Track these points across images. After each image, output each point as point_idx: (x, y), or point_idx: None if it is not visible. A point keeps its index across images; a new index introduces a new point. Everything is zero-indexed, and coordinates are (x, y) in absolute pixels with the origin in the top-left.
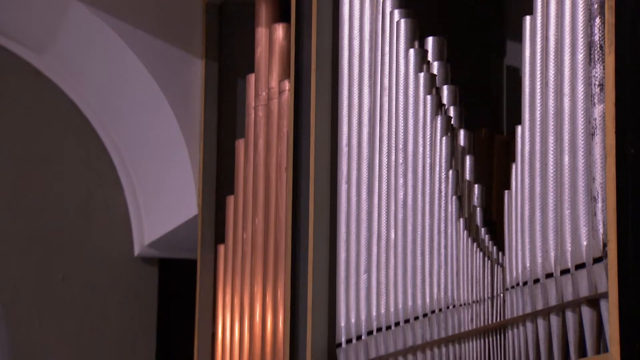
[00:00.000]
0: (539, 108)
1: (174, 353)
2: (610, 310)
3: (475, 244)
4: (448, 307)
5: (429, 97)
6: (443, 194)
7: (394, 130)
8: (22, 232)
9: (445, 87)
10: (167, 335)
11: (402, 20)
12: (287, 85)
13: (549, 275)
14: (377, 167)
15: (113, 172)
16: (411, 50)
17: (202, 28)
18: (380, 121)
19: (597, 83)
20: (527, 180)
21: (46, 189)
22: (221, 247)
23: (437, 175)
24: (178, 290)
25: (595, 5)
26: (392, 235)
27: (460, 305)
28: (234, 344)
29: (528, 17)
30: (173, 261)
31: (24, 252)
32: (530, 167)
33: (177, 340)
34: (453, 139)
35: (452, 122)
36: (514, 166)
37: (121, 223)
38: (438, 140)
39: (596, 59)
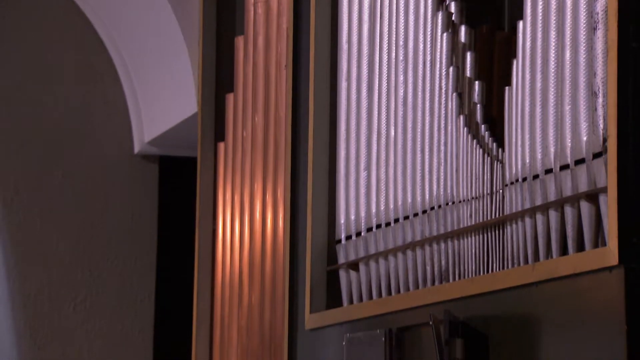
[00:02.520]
0: (540, 3)
1: (175, 249)
2: (609, 205)
3: (475, 140)
4: (447, 204)
5: None
6: (443, 90)
7: (394, 27)
8: (21, 131)
9: None
10: (168, 232)
11: None
12: None
13: (549, 171)
14: (377, 65)
15: (112, 70)
16: None
17: None
18: (380, 18)
19: None
20: (527, 76)
21: (46, 87)
22: (221, 145)
23: (437, 72)
24: (178, 187)
25: None
26: (392, 133)
27: (460, 201)
28: (234, 240)
29: None
30: (173, 159)
31: (24, 151)
32: (531, 63)
33: (178, 237)
34: (454, 35)
35: (452, 18)
36: (514, 62)
37: (121, 121)
38: (439, 37)
39: None
